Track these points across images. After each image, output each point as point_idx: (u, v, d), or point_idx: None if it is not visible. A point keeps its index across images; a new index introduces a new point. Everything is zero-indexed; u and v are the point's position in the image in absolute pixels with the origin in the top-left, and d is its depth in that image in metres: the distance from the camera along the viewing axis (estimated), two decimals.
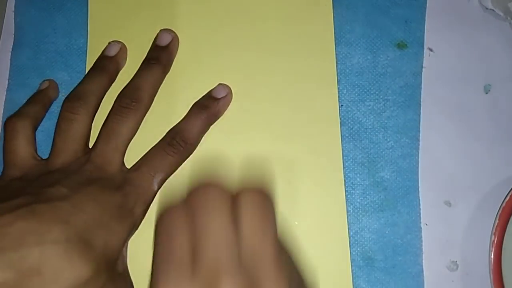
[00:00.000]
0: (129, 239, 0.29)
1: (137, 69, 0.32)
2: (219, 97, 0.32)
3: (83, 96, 0.30)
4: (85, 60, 0.34)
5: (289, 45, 0.33)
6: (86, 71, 0.33)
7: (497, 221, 0.29)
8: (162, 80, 0.32)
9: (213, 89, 0.32)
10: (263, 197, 0.23)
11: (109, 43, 0.33)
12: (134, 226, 0.29)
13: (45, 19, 0.35)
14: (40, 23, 0.35)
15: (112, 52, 0.32)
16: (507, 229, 0.29)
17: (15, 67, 0.34)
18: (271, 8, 0.34)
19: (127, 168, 0.30)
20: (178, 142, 0.30)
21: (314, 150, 0.32)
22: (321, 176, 0.31)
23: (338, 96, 0.33)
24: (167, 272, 0.20)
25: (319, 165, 0.32)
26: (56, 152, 0.29)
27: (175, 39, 0.33)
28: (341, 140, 0.32)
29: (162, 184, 0.30)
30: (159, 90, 0.32)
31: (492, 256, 0.29)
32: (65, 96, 0.33)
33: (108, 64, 0.32)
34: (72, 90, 0.31)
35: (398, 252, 0.30)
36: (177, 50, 0.33)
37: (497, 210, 0.30)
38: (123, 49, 0.33)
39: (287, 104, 0.33)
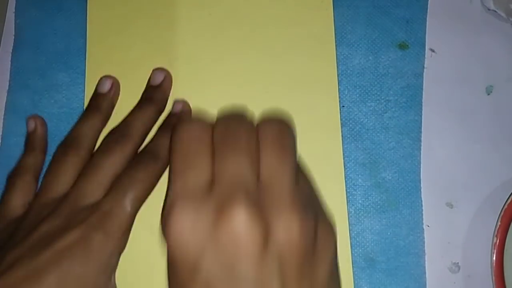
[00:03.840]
0: (111, 268, 0.26)
1: (137, 75, 0.33)
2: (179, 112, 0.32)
3: (74, 140, 0.30)
4: (85, 61, 0.34)
5: (289, 47, 0.33)
6: (86, 73, 0.33)
7: (499, 223, 0.29)
8: (156, 119, 0.31)
9: (173, 107, 0.32)
10: (283, 127, 0.23)
11: (101, 78, 0.32)
12: (110, 255, 0.26)
13: (45, 20, 0.35)
14: (40, 24, 0.35)
15: (105, 88, 0.32)
16: (509, 231, 0.29)
17: (15, 68, 0.34)
18: (271, 11, 0.34)
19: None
20: (146, 158, 0.29)
21: (315, 152, 0.32)
22: (322, 177, 0.31)
23: (339, 97, 0.33)
24: (184, 190, 0.21)
25: (320, 167, 0.31)
26: (39, 193, 0.29)
27: (167, 77, 0.33)
28: (342, 141, 0.32)
29: (138, 205, 0.27)
30: None
31: (494, 258, 0.29)
32: (64, 96, 0.33)
33: (101, 103, 0.32)
34: (68, 134, 0.31)
35: (400, 253, 0.30)
36: (171, 88, 0.33)
37: (499, 212, 0.30)
38: (115, 83, 0.32)
39: (287, 106, 0.32)
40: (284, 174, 0.22)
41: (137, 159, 0.29)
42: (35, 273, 0.24)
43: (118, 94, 0.33)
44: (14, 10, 0.35)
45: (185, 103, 0.32)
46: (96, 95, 0.32)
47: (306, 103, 0.32)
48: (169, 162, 0.27)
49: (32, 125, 0.32)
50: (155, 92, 0.32)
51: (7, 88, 0.34)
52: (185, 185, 0.21)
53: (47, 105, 0.33)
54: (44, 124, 0.33)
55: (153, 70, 0.33)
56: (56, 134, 0.33)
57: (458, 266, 0.31)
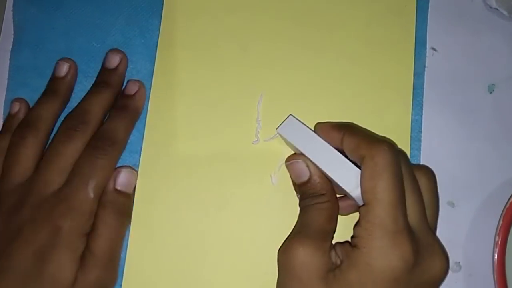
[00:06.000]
0: (80, 248, 0.28)
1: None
2: (132, 93, 0.32)
3: (31, 122, 0.30)
4: (86, 60, 0.33)
5: (367, 49, 0.33)
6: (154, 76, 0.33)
7: (501, 222, 0.29)
8: (113, 102, 0.32)
9: (125, 87, 0.33)
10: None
11: (57, 62, 0.33)
12: (78, 237, 0.28)
13: (44, 18, 0.34)
14: (39, 22, 0.34)
15: (62, 72, 0.32)
16: (511, 230, 0.29)
17: (14, 67, 0.34)
18: (353, 12, 0.33)
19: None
20: (103, 143, 0.29)
21: None
22: None
23: None
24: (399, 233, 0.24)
25: None
26: (1, 177, 0.30)
27: (123, 59, 0.33)
28: None
29: (100, 190, 0.29)
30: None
31: (496, 257, 0.29)
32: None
33: (59, 86, 0.32)
34: (25, 116, 0.31)
35: None
36: (126, 69, 0.33)
37: (501, 211, 0.30)
38: (72, 66, 0.33)
39: (359, 109, 0.32)
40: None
41: (94, 143, 0.29)
42: (14, 266, 0.27)
43: (75, 77, 0.33)
44: (12, 8, 0.35)
45: (141, 86, 0.32)
46: (54, 78, 0.32)
47: (378, 107, 0.32)
48: (124, 144, 0.31)
49: (16, 107, 0.32)
50: (111, 75, 0.32)
51: (6, 86, 0.33)
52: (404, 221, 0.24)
53: None
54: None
55: (108, 51, 0.33)
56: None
57: (459, 265, 0.31)
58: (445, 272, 0.25)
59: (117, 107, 0.31)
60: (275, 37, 0.33)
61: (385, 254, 0.23)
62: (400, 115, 0.32)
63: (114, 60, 0.32)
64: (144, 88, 0.32)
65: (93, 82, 0.33)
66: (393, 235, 0.23)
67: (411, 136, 0.32)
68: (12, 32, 0.34)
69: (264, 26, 0.34)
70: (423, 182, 0.26)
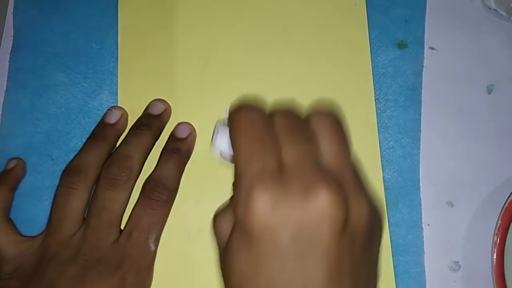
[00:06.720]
0: None
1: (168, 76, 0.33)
2: (184, 137, 0.31)
3: (82, 169, 0.29)
4: (84, 61, 0.34)
5: (324, 50, 0.33)
6: (118, 75, 0.33)
7: (499, 222, 0.29)
8: (152, 147, 0.31)
9: (175, 130, 0.32)
10: (337, 117, 0.24)
11: (110, 109, 0.32)
12: None
13: (43, 20, 0.34)
14: (38, 24, 0.34)
15: (113, 119, 0.31)
16: (509, 230, 0.29)
17: (13, 68, 0.34)
18: (306, 14, 0.34)
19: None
20: (160, 193, 0.29)
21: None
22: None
23: None
24: (263, 172, 0.21)
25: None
26: (52, 230, 0.28)
27: (168, 109, 0.32)
28: None
29: (159, 240, 0.29)
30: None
31: (495, 257, 0.29)
32: (62, 96, 0.33)
33: (108, 133, 0.31)
34: (71, 161, 0.30)
35: (400, 252, 0.30)
36: (168, 120, 0.32)
37: (500, 211, 0.30)
38: (124, 115, 0.32)
39: None
40: (349, 161, 0.23)
41: (151, 193, 0.29)
42: None
43: (126, 125, 0.32)
44: (12, 11, 0.35)
45: (193, 130, 0.32)
46: (103, 124, 0.31)
47: (343, 107, 0.32)
48: (178, 185, 0.30)
49: (11, 164, 0.31)
50: (153, 120, 0.31)
51: (4, 88, 0.34)
52: (263, 167, 0.21)
53: (44, 105, 0.33)
54: (24, 166, 0.32)
55: (153, 100, 0.32)
56: (54, 135, 0.32)
57: (458, 265, 0.31)
58: None
59: (169, 150, 0.30)
60: (234, 50, 0.33)
61: None
62: (365, 112, 0.32)
63: (159, 108, 0.32)
64: (195, 132, 0.32)
65: (92, 84, 0.33)
66: None
67: (410, 136, 0.32)
68: (12, 34, 0.35)
69: (222, 39, 0.34)
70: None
